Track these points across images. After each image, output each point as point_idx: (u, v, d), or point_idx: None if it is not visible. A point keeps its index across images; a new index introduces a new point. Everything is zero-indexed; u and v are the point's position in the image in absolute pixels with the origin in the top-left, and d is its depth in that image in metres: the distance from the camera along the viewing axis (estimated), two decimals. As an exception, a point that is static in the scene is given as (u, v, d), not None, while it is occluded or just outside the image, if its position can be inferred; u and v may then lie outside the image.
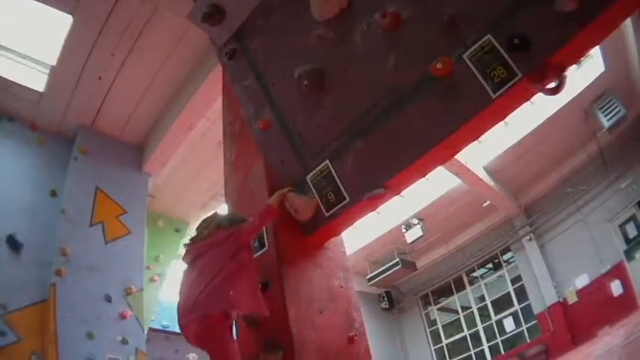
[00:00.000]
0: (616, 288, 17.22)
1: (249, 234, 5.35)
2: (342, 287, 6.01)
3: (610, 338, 13.12)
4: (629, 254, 17.04)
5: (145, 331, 12.75)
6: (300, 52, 6.26)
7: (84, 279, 11.48)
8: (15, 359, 10.11)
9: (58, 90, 12.40)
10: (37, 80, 12.27)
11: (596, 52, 14.46)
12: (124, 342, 11.42)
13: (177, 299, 5.04)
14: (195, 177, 15.25)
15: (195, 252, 5.13)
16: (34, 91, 12.34)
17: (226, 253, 5.00)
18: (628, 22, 12.11)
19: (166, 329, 16.83)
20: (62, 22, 11.02)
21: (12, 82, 12.04)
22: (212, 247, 5.09)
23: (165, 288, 16.35)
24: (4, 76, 11.94)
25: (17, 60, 12.02)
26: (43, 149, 12.90)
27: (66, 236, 11.75)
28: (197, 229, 5.47)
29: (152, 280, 15.03)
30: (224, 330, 4.88)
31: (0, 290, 10.54)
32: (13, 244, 11.20)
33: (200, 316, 4.71)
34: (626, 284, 16.94)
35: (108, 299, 11.66)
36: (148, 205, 14.34)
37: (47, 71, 12.12)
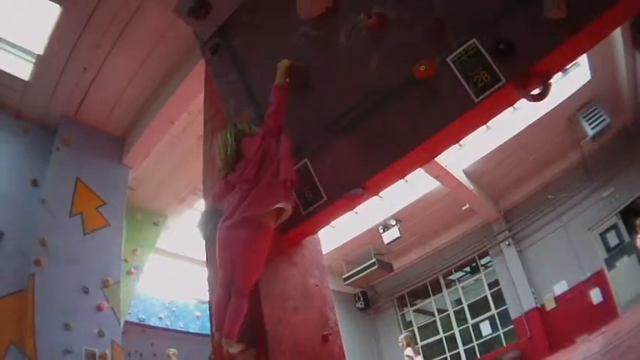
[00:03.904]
0: (596, 296, 17.37)
1: (275, 119, 5.46)
2: (317, 286, 6.00)
3: (589, 345, 13.14)
4: (609, 263, 17.15)
5: (122, 324, 12.73)
6: (283, 49, 6.22)
7: (62, 270, 11.45)
8: (-6, 349, 10.08)
9: (43, 79, 12.34)
10: (22, 68, 12.21)
11: (582, 60, 14.51)
12: (101, 334, 11.40)
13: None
14: (175, 171, 15.24)
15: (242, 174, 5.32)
16: (19, 79, 12.28)
17: (268, 155, 5.25)
18: (617, 32, 12.15)
19: (142, 322, 16.84)
20: (50, 11, 10.97)
21: (-2, 69, 12.00)
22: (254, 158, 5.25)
23: (142, 281, 16.35)
24: (-11, 63, 11.90)
25: (3, 47, 11.95)
26: (26, 138, 12.85)
27: (46, 226, 11.71)
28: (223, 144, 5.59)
29: (129, 272, 15.02)
30: (265, 238, 5.13)
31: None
32: (-6, 233, 11.18)
33: (246, 217, 5.00)
34: (606, 292, 17.06)
35: (85, 291, 11.63)
36: (127, 197, 14.30)
37: (33, 60, 12.07)
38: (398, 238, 20.64)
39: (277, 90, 5.56)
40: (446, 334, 23.18)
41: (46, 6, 10.86)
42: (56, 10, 10.93)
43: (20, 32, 11.79)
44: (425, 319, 24.82)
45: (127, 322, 14.70)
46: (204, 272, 6.24)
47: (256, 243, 5.08)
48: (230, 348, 4.85)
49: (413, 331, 24.43)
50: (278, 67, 5.72)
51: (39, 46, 11.78)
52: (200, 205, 14.72)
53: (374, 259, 22.29)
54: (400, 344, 16.38)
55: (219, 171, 5.64)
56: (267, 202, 5.04)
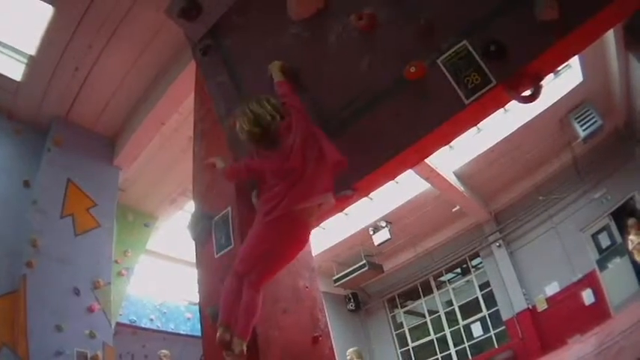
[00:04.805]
0: (587, 297, 17.34)
1: (297, 106, 5.27)
2: (307, 287, 5.99)
3: (581, 346, 13.13)
4: (601, 264, 17.16)
5: (113, 326, 12.70)
6: (274, 50, 6.21)
7: (54, 271, 11.39)
8: (-15, 351, 10.05)
9: (35, 80, 12.26)
10: (14, 69, 12.15)
11: (574, 62, 14.50)
12: (92, 336, 11.35)
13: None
14: (165, 172, 15.19)
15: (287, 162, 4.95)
16: (11, 79, 12.21)
17: (308, 142, 4.99)
18: (609, 33, 12.12)
19: (134, 324, 16.80)
20: (43, 12, 10.92)
21: (-11, 70, 11.96)
22: (295, 144, 4.97)
23: (133, 282, 16.32)
24: (-19, 64, 11.85)
25: (-4, 48, 11.94)
26: (18, 139, 12.78)
27: (37, 227, 11.64)
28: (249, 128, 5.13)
29: (120, 274, 14.94)
30: (305, 236, 5.10)
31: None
32: (-15, 234, 11.15)
33: (288, 213, 4.78)
34: (598, 293, 17.07)
35: (76, 292, 11.57)
36: (117, 198, 14.26)
37: (25, 60, 12.01)
38: (388, 239, 20.58)
39: (280, 85, 5.55)
40: (437, 336, 23.12)
41: (39, 6, 10.81)
42: (48, 10, 10.86)
43: (12, 33, 11.72)
44: (416, 321, 24.76)
45: (118, 324, 14.65)
46: (194, 274, 6.21)
47: (296, 242, 5.05)
48: (242, 348, 4.68)
49: (404, 332, 24.48)
50: (270, 69, 5.73)
51: (31, 47, 11.71)
52: (190, 206, 14.70)
53: (364, 261, 22.18)
54: (348, 357, 16.27)
55: (249, 140, 5.26)
56: (311, 197, 4.84)
